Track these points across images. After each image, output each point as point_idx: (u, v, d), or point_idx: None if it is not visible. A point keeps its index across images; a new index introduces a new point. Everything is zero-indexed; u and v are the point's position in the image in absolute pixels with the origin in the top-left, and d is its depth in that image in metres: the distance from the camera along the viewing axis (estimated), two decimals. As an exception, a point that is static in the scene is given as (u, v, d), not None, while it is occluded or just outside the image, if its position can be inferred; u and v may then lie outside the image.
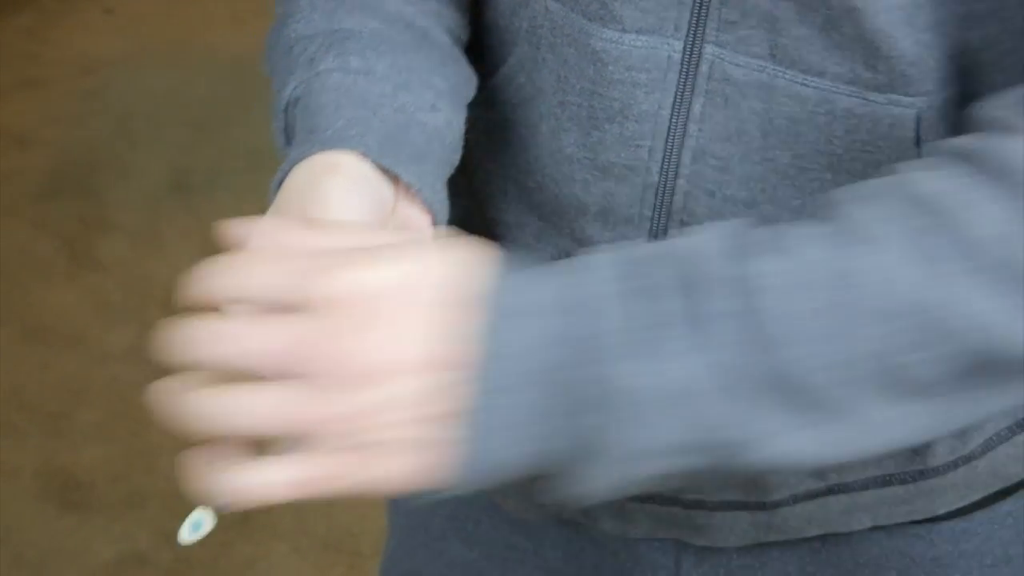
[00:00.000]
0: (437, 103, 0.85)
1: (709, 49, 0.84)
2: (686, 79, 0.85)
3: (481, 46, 0.94)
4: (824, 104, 0.83)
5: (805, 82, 0.83)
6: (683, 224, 0.88)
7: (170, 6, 3.62)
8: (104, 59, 3.44)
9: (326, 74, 0.83)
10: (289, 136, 0.85)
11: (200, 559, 2.33)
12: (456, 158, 0.87)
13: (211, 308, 0.66)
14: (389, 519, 1.17)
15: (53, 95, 3.33)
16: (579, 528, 1.03)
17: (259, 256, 0.66)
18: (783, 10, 0.82)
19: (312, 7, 0.88)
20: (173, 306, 2.85)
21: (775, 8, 0.82)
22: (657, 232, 0.89)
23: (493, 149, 0.94)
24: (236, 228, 0.69)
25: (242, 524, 2.38)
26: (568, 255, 0.90)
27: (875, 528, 0.98)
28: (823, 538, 0.99)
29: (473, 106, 0.93)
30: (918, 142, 0.84)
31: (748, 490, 0.97)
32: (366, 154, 0.79)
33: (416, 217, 0.82)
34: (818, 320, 0.65)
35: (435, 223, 0.82)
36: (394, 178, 0.81)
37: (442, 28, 0.90)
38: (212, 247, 0.69)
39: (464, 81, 0.89)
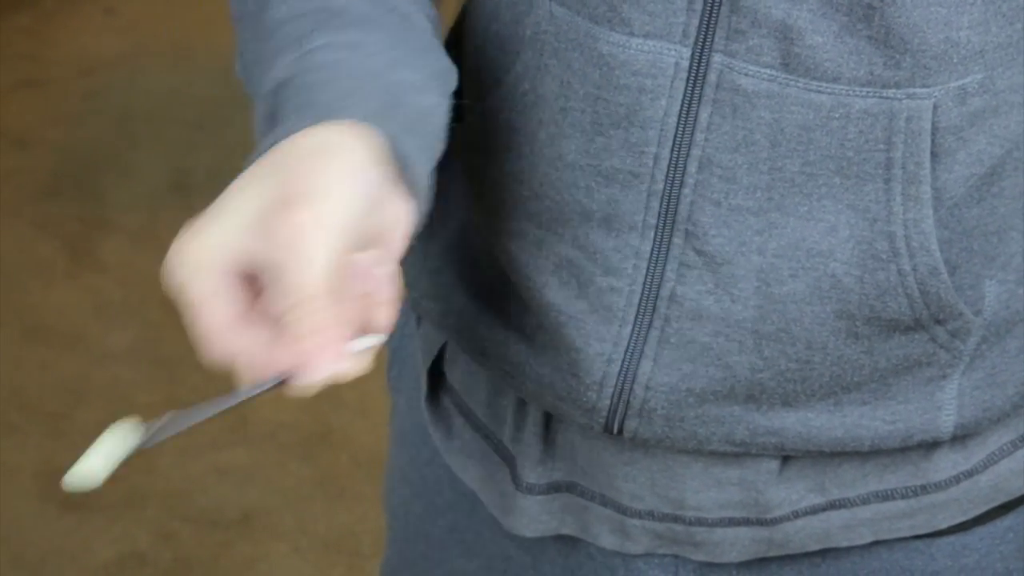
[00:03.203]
0: (426, 84, 0.83)
1: (717, 58, 0.84)
2: (693, 87, 0.85)
3: (485, 58, 0.94)
4: (839, 108, 0.83)
5: (819, 89, 0.83)
6: (688, 233, 0.87)
7: (170, 6, 3.62)
8: (104, 59, 3.44)
9: (316, 52, 0.81)
10: (275, 120, 0.81)
11: (200, 559, 2.33)
12: (440, 147, 0.84)
13: None
14: (388, 525, 1.17)
15: (53, 95, 3.33)
16: (577, 544, 1.02)
17: None
18: (796, 19, 0.82)
19: None
20: (173, 306, 2.84)
21: (788, 17, 0.82)
22: (662, 241, 0.88)
23: (495, 158, 0.93)
24: None
25: (242, 524, 2.38)
26: (571, 263, 0.90)
27: (876, 543, 0.98)
28: (823, 552, 0.99)
29: (476, 116, 0.93)
30: (934, 131, 0.84)
31: (749, 507, 0.96)
32: (364, 119, 0.77)
33: (398, 205, 0.77)
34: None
35: (419, 206, 0.79)
36: (383, 160, 0.77)
37: (423, 15, 0.88)
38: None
39: (446, 69, 0.87)
